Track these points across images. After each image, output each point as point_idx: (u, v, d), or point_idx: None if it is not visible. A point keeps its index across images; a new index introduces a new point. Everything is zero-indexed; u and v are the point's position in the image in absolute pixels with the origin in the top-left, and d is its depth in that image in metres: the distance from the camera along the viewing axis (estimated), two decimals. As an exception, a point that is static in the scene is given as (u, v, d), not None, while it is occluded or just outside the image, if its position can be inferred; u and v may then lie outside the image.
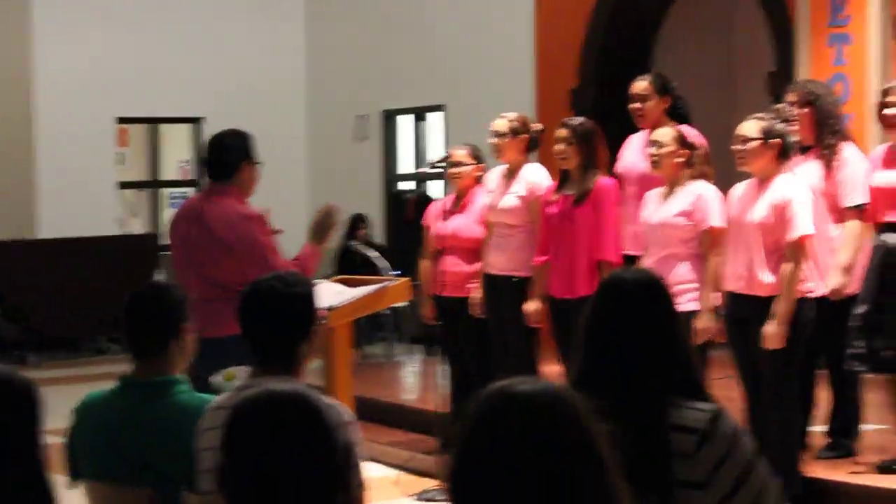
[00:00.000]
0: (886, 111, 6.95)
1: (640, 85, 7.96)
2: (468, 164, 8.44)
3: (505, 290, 8.10)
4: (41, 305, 14.16)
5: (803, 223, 6.69)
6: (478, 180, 8.46)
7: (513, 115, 8.31)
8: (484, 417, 2.22)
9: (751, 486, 3.21)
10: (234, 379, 4.55)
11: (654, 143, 7.23)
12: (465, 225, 8.42)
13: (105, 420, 4.32)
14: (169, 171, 17.24)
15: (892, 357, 6.86)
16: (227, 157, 6.51)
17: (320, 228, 6.65)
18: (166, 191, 17.29)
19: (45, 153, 15.23)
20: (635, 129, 8.14)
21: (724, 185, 7.27)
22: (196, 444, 4.05)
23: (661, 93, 7.91)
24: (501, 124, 8.22)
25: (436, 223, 8.36)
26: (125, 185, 16.74)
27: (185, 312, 4.42)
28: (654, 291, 3.40)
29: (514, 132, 8.19)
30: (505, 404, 2.22)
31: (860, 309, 6.94)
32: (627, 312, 3.34)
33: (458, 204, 8.52)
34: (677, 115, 7.92)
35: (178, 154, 17.31)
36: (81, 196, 15.30)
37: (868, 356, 6.93)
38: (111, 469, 4.28)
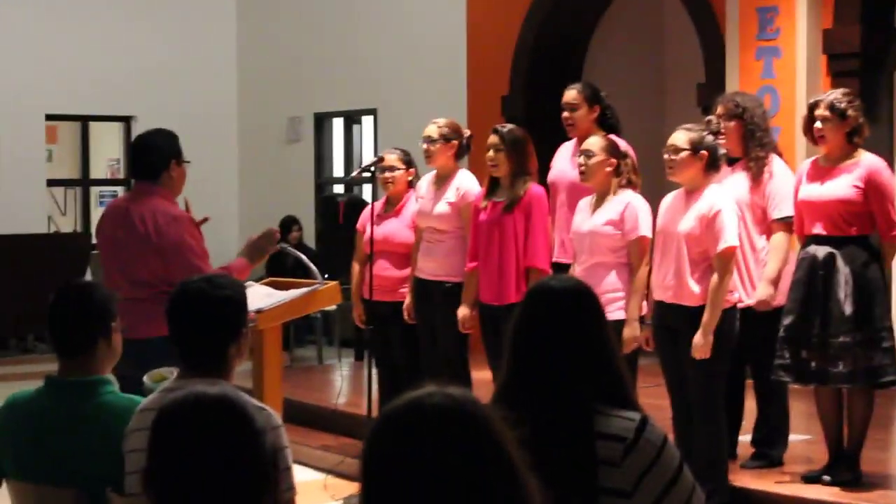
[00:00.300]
0: (814, 125, 7.02)
1: (571, 94, 8.01)
2: (400, 169, 8.45)
3: (437, 296, 8.12)
4: (-33, 304, 14.01)
5: (729, 234, 6.77)
6: (409, 185, 8.48)
7: (443, 120, 8.32)
8: (391, 427, 2.23)
9: (676, 494, 3.24)
10: (163, 380, 4.53)
11: (583, 152, 7.27)
12: (397, 230, 8.43)
13: (30, 420, 4.28)
14: (99, 170, 17.12)
15: (818, 368, 6.94)
16: (154, 158, 6.47)
17: (256, 249, 6.63)
18: (96, 189, 17.17)
19: (-27, 150, 15.07)
20: (566, 137, 8.18)
21: (655, 195, 7.33)
22: (123, 446, 4.03)
23: (591, 102, 7.97)
24: (432, 130, 8.23)
25: (368, 227, 8.37)
26: (54, 183, 16.61)
27: (113, 311, 4.39)
28: (582, 299, 3.41)
29: (445, 138, 8.21)
30: (413, 414, 2.23)
31: (786, 320, 7.01)
32: (555, 320, 3.35)
33: (391, 208, 8.53)
34: (607, 124, 7.97)
35: (108, 152, 17.21)
36: (9, 193, 15.16)
37: (794, 367, 7.00)
38: (36, 469, 4.24)
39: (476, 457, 2.19)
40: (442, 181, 8.23)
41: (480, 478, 2.18)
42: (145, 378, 4.61)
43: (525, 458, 2.23)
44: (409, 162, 8.50)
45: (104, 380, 4.29)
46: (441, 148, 8.19)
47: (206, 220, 6.64)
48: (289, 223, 14.29)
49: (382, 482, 2.19)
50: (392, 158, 8.47)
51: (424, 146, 8.22)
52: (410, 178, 8.46)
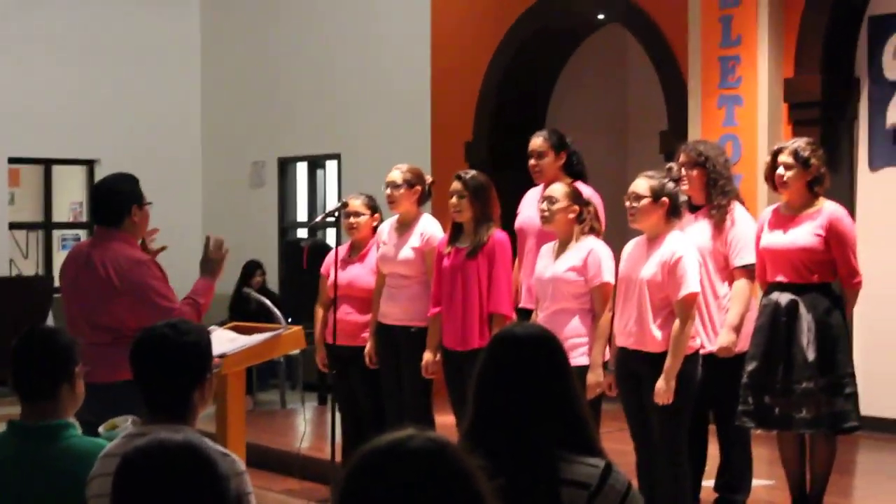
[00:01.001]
0: (777, 171, 7.08)
1: (537, 142, 8.06)
2: (365, 214, 8.47)
3: (402, 341, 8.12)
4: (-73, 346, 13.89)
5: (691, 281, 6.80)
6: (374, 230, 8.49)
7: (405, 166, 8.34)
8: (363, 472, 2.23)
9: (639, 540, 3.25)
10: (117, 429, 4.52)
11: (546, 198, 7.31)
12: (361, 275, 8.43)
13: (-8, 464, 4.27)
14: (61, 213, 17.06)
15: (781, 414, 6.97)
16: (115, 204, 6.44)
17: (210, 261, 6.61)
18: (58, 232, 17.11)
19: (-65, 192, 15.00)
20: (531, 182, 8.22)
21: (617, 241, 7.37)
22: (86, 491, 4.02)
23: (557, 149, 8.01)
24: (396, 175, 8.26)
25: (332, 272, 8.37)
26: (16, 226, 16.54)
27: (76, 356, 4.38)
28: (546, 346, 3.41)
29: (409, 183, 8.23)
30: (389, 457, 2.23)
31: (750, 366, 7.04)
32: (518, 367, 3.35)
33: (356, 254, 8.54)
34: (574, 170, 8.02)
35: (71, 196, 17.14)
36: (-29, 236, 15.09)
37: (758, 413, 7.03)
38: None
39: (453, 500, 2.19)
40: (405, 227, 8.25)
41: None
42: (100, 429, 4.60)
43: None
44: (374, 207, 8.52)
45: (68, 424, 4.28)
46: (405, 193, 8.21)
47: (163, 248, 6.63)
48: (252, 268, 14.26)
49: None
50: (357, 204, 8.48)
51: (388, 191, 8.23)
52: (375, 223, 8.47)
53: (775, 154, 7.15)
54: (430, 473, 2.20)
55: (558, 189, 7.33)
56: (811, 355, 6.90)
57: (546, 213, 7.27)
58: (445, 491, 2.20)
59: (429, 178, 8.41)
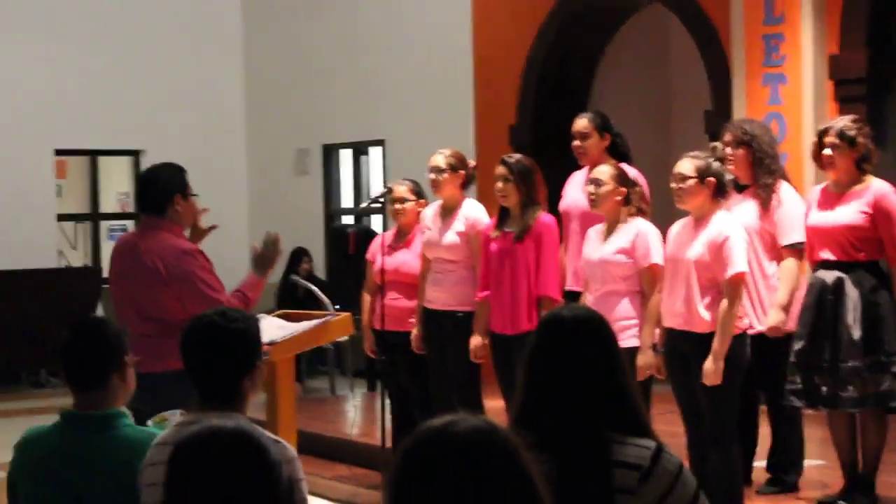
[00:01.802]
0: (824, 151, 7.05)
1: (581, 123, 8.04)
2: (410, 200, 8.47)
3: (449, 326, 8.13)
4: (-21, 338, 14.03)
5: (738, 260, 6.77)
6: (419, 216, 8.49)
7: (448, 150, 8.34)
8: (416, 456, 2.24)
9: (692, 521, 3.25)
10: (165, 421, 4.55)
11: (593, 181, 7.29)
12: (408, 260, 8.45)
13: (46, 455, 4.29)
14: (108, 204, 17.16)
15: (828, 393, 6.94)
16: (158, 193, 6.48)
17: (263, 258, 6.62)
18: (106, 223, 17.21)
19: (-17, 185, 15.12)
20: (576, 165, 8.21)
21: (663, 222, 7.35)
22: (139, 480, 4.04)
23: (601, 131, 8.00)
24: (439, 160, 8.26)
25: (379, 258, 8.38)
26: (64, 218, 16.65)
27: (124, 345, 4.41)
28: (594, 329, 3.42)
29: (453, 168, 8.23)
30: (439, 442, 2.24)
31: (797, 345, 7.02)
32: (567, 349, 3.36)
33: (402, 239, 8.55)
34: (618, 152, 8.00)
35: (117, 186, 17.24)
36: (20, 229, 15.19)
37: (806, 392, 7.01)
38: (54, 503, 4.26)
39: (503, 486, 2.20)
40: (449, 212, 8.25)
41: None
42: (149, 422, 4.63)
43: (549, 492, 2.24)
44: (419, 193, 8.52)
45: (120, 413, 4.30)
46: (448, 178, 8.22)
47: (214, 227, 6.65)
48: (299, 255, 14.30)
49: None
50: (402, 190, 8.49)
51: (432, 176, 8.23)
52: (421, 209, 8.48)
53: (821, 134, 7.11)
54: (480, 456, 2.21)
55: (604, 171, 7.31)
56: (857, 334, 6.87)
57: (593, 197, 7.25)
58: (495, 473, 2.21)
59: (472, 163, 8.41)
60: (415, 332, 8.31)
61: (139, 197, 6.61)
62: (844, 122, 7.11)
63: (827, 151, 7.02)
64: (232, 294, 6.38)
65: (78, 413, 4.31)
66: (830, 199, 7.07)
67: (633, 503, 3.22)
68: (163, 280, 6.30)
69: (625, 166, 7.63)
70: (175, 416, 4.66)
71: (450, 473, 2.19)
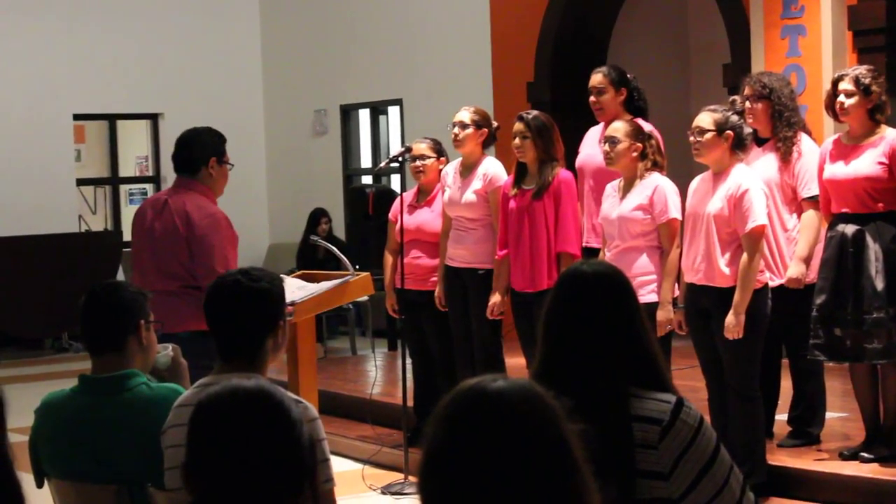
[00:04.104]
0: (838, 99, 7.00)
1: (597, 78, 8.01)
2: (431, 158, 8.45)
3: (470, 283, 8.14)
4: (1, 304, 14.08)
5: (758, 213, 6.75)
6: (441, 174, 8.48)
7: (473, 107, 8.34)
8: (456, 414, 2.24)
9: (713, 475, 3.24)
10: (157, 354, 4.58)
11: (608, 139, 7.25)
12: (430, 219, 8.44)
13: (65, 419, 4.32)
14: (128, 168, 17.18)
15: (852, 345, 6.93)
16: (193, 153, 6.50)
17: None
18: (125, 187, 17.24)
19: (2, 152, 15.13)
20: (593, 121, 8.18)
21: (682, 177, 7.32)
22: (161, 442, 4.06)
23: (617, 85, 7.96)
24: (464, 115, 8.24)
25: (400, 217, 8.37)
26: (83, 182, 16.68)
27: (143, 308, 4.42)
28: (614, 283, 3.41)
29: (477, 125, 8.22)
30: (478, 402, 2.23)
31: (819, 299, 6.99)
32: (587, 304, 3.35)
33: (423, 198, 8.54)
34: (635, 106, 7.96)
35: (136, 150, 17.26)
36: (40, 194, 15.23)
37: (829, 345, 6.99)
38: (75, 467, 4.28)
39: (541, 445, 2.20)
40: (468, 169, 8.24)
41: (545, 468, 2.19)
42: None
43: (587, 458, 2.24)
44: (439, 151, 8.50)
45: (134, 373, 4.32)
46: (472, 134, 8.20)
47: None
48: (317, 216, 14.31)
49: (448, 462, 2.20)
50: (423, 147, 8.47)
51: (456, 130, 8.22)
52: (442, 166, 8.46)
53: (836, 82, 7.06)
54: (517, 415, 2.21)
55: (619, 128, 7.28)
56: (880, 284, 6.84)
57: (611, 155, 7.22)
58: (532, 432, 2.20)
59: (495, 123, 8.39)
60: (438, 289, 8.31)
61: (175, 156, 6.60)
62: (860, 70, 7.06)
63: (841, 99, 6.97)
64: None
65: (94, 376, 4.34)
66: (844, 151, 7.03)
67: (653, 458, 3.21)
68: (185, 238, 6.32)
69: (640, 121, 7.60)
70: (167, 350, 4.70)
71: (489, 429, 2.19)
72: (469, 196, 8.16)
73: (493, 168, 8.22)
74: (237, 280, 4.09)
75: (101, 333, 4.35)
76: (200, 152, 6.47)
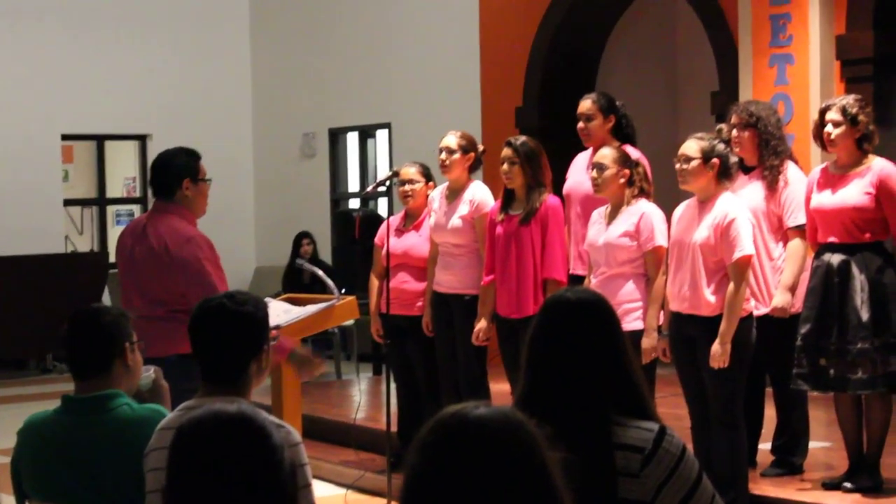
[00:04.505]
0: (825, 129, 7.01)
1: (586, 105, 8.02)
2: (419, 182, 8.45)
3: (457, 309, 8.13)
4: (-14, 324, 14.04)
5: (745, 243, 6.76)
6: (428, 198, 8.47)
7: (459, 132, 8.33)
8: (437, 442, 2.23)
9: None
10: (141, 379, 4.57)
11: (595, 165, 7.27)
12: (418, 243, 8.43)
13: (47, 439, 4.31)
14: (115, 189, 17.17)
15: (836, 375, 6.93)
16: (168, 176, 6.48)
17: (299, 358, 6.43)
18: (112, 208, 17.22)
19: (-10, 170, 15.12)
20: (581, 147, 8.19)
21: (669, 204, 7.33)
22: (143, 465, 4.05)
23: (606, 112, 7.97)
24: (451, 141, 8.24)
25: (387, 241, 8.37)
26: (70, 203, 16.66)
27: (126, 330, 4.41)
28: (598, 311, 3.41)
29: (464, 150, 8.22)
30: (459, 429, 2.23)
31: (803, 328, 7.00)
32: (571, 332, 3.35)
33: (411, 222, 8.53)
34: (623, 133, 7.98)
35: (124, 171, 17.26)
36: (27, 214, 15.21)
37: (813, 375, 6.99)
38: (56, 489, 4.26)
39: (521, 473, 2.19)
40: (455, 194, 8.24)
41: (526, 496, 2.18)
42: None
43: (567, 486, 2.24)
44: (427, 175, 8.50)
45: (116, 393, 4.31)
46: (459, 159, 8.20)
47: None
48: (299, 237, 14.35)
49: (427, 491, 2.20)
50: (411, 172, 8.47)
51: (442, 156, 8.21)
52: (430, 191, 8.46)
53: (823, 112, 7.08)
54: (498, 443, 2.21)
55: (607, 154, 7.29)
56: (865, 315, 6.84)
57: (598, 181, 7.23)
58: (512, 460, 2.20)
59: (480, 147, 8.40)
60: (426, 315, 8.30)
61: (151, 180, 6.61)
62: (847, 100, 7.08)
63: (828, 129, 6.99)
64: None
65: (77, 396, 4.33)
66: (831, 181, 7.04)
67: (635, 486, 3.21)
68: (167, 264, 6.30)
69: (627, 147, 7.62)
70: (148, 373, 4.70)
71: (468, 458, 2.19)
72: (455, 222, 8.15)
73: (479, 194, 8.22)
74: (222, 304, 4.08)
75: (86, 359, 4.35)
76: (174, 175, 6.44)
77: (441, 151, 8.23)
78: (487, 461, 2.19)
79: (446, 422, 2.25)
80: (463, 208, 8.16)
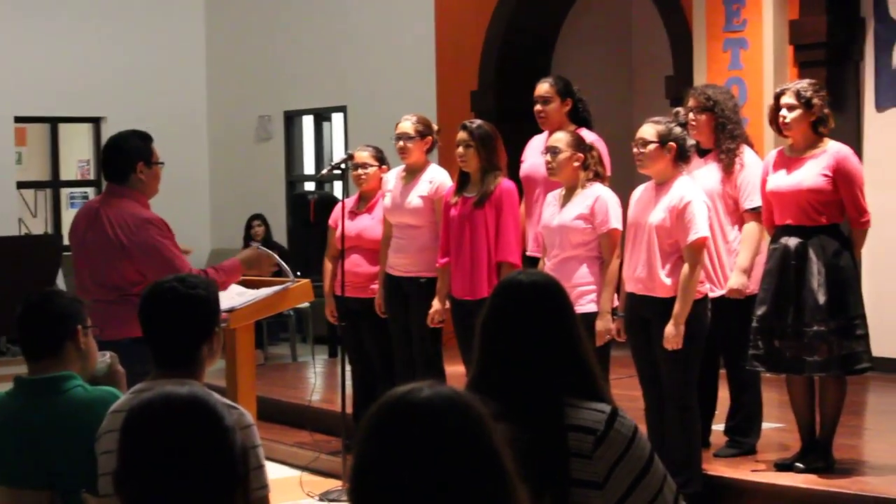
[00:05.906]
0: (780, 113, 7.05)
1: (543, 87, 8.03)
2: (373, 166, 8.45)
3: (411, 292, 8.13)
4: (-62, 307, 13.91)
5: (700, 225, 6.79)
6: (382, 181, 8.47)
7: (415, 117, 8.32)
8: (383, 425, 2.24)
9: (647, 485, 3.25)
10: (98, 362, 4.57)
11: (550, 150, 7.28)
12: (371, 226, 8.43)
13: (1, 421, 4.29)
14: (69, 171, 17.06)
15: (792, 357, 6.97)
16: (121, 159, 6.43)
17: (253, 260, 6.61)
18: (66, 190, 17.11)
19: (-58, 153, 15.00)
20: (536, 131, 8.19)
21: (625, 187, 7.35)
22: (96, 447, 4.03)
23: (563, 95, 7.98)
24: (407, 127, 8.23)
25: (341, 223, 8.36)
26: (24, 185, 16.55)
27: (80, 314, 4.41)
28: (550, 293, 3.41)
29: (421, 134, 8.22)
30: (405, 412, 2.23)
31: (759, 310, 7.03)
32: (522, 314, 3.35)
33: (364, 205, 8.53)
34: (579, 117, 7.99)
35: (78, 154, 17.15)
36: (-21, 196, 15.10)
37: (768, 356, 7.03)
38: (8, 471, 4.25)
39: (469, 455, 2.20)
40: (412, 175, 8.24)
41: (474, 477, 2.19)
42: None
43: (515, 463, 2.24)
44: (381, 159, 8.50)
45: (70, 374, 4.30)
46: (417, 144, 8.20)
47: (188, 252, 6.66)
48: (251, 219, 14.33)
49: (375, 474, 2.20)
50: (365, 155, 8.47)
51: (400, 143, 8.21)
52: (383, 174, 8.46)
53: (778, 96, 7.12)
54: (445, 424, 2.21)
55: (561, 138, 7.31)
56: (822, 298, 6.88)
57: (552, 165, 7.25)
58: (459, 442, 2.20)
59: (436, 128, 8.40)
60: (378, 297, 8.30)
61: (103, 164, 6.58)
62: (801, 84, 7.12)
63: (783, 113, 7.03)
64: (207, 269, 6.39)
65: (29, 377, 4.32)
66: (787, 163, 7.08)
67: (587, 467, 3.22)
68: (122, 248, 6.26)
69: (583, 131, 7.63)
70: (104, 358, 4.68)
71: (415, 440, 2.19)
72: (415, 201, 8.15)
73: (439, 176, 8.22)
74: (173, 286, 4.07)
75: (38, 341, 4.35)
76: (127, 158, 6.40)
77: (398, 139, 8.22)
78: (434, 443, 2.19)
79: (392, 404, 2.25)
80: (422, 187, 8.16)
